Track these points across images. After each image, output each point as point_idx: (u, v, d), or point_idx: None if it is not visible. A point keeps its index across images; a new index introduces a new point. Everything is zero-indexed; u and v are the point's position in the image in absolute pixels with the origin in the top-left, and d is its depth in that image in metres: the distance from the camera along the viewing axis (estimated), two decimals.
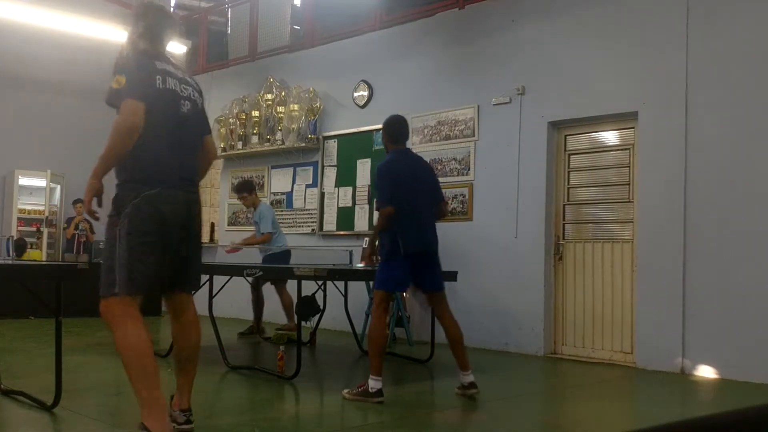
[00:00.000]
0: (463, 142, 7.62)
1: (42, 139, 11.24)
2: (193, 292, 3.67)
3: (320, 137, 9.09)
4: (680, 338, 5.95)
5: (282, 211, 9.56)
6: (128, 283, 3.12)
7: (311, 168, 9.24)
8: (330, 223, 8.94)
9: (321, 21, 9.57)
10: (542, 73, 7.04)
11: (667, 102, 6.20)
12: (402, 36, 8.41)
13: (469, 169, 7.56)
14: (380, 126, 8.33)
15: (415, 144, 7.77)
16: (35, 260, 9.13)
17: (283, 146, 9.32)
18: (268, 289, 7.92)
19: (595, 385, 5.69)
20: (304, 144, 9.11)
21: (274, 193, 9.71)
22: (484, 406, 4.60)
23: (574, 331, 6.79)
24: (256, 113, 9.70)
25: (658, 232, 6.18)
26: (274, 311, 8.30)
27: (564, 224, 6.98)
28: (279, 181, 9.66)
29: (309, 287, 5.82)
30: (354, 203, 8.69)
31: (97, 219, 3.29)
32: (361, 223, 8.56)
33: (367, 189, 8.55)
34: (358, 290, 7.48)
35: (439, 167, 7.61)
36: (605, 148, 6.82)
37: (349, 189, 8.75)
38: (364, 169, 8.61)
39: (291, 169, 9.49)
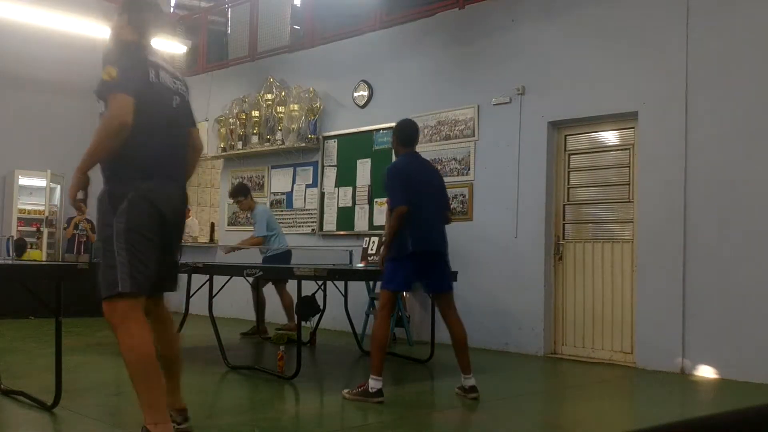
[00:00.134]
0: (463, 142, 7.62)
1: (42, 139, 11.24)
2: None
3: (320, 137, 9.09)
4: (680, 338, 5.95)
5: (282, 211, 9.56)
6: (130, 282, 3.04)
7: (311, 168, 9.24)
8: (330, 223, 8.94)
9: (321, 21, 9.57)
10: (542, 73, 7.04)
11: (667, 102, 6.20)
12: (402, 36, 8.41)
13: (469, 169, 7.56)
14: (380, 126, 8.46)
15: None
16: (35, 260, 9.13)
17: (283, 146, 9.32)
18: (268, 290, 7.92)
19: (595, 385, 5.69)
20: (304, 144, 9.11)
21: (274, 193, 9.71)
22: (484, 406, 4.60)
23: (574, 331, 6.79)
24: (256, 113, 9.70)
25: (658, 232, 6.18)
26: (274, 311, 8.30)
27: (564, 224, 6.98)
28: (279, 181, 9.66)
29: (309, 287, 5.82)
30: (354, 203, 8.69)
31: (83, 212, 3.22)
32: (361, 223, 8.56)
33: (367, 189, 8.55)
34: (358, 290, 7.48)
35: (439, 167, 7.59)
36: (605, 148, 6.82)
37: (349, 189, 8.75)
38: (364, 169, 8.61)
39: (291, 169, 9.49)
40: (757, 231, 5.66)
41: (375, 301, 7.48)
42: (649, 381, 5.72)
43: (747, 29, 5.84)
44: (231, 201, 8.19)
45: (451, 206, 7.33)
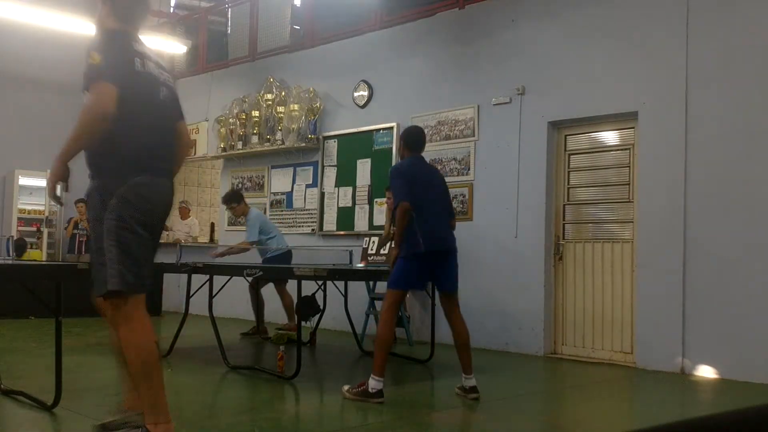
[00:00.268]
0: (463, 142, 7.62)
1: (42, 139, 11.21)
2: None
3: (320, 137, 9.09)
4: (680, 338, 5.95)
5: (282, 211, 9.56)
6: (120, 280, 2.94)
7: (311, 168, 9.24)
8: (330, 223, 8.94)
9: (321, 21, 9.57)
10: (542, 73, 7.04)
11: (667, 102, 6.20)
12: (402, 36, 8.41)
13: (469, 169, 7.56)
14: (380, 126, 8.46)
15: None
16: (35, 260, 9.12)
17: (283, 146, 9.32)
18: (268, 290, 7.92)
19: (595, 385, 5.69)
20: (304, 144, 9.11)
21: (274, 193, 9.72)
22: (484, 406, 4.60)
23: (574, 331, 6.79)
24: (256, 113, 9.70)
25: (658, 232, 6.18)
26: (275, 311, 8.30)
27: (564, 224, 6.98)
28: (279, 181, 9.66)
29: (309, 287, 5.82)
30: (354, 203, 8.69)
31: (61, 204, 3.11)
32: (361, 223, 8.56)
33: (367, 189, 8.55)
34: (358, 290, 7.48)
35: (439, 167, 7.59)
36: (605, 148, 6.82)
37: (349, 189, 8.75)
38: (364, 169, 8.61)
39: (291, 169, 9.49)
40: (757, 231, 5.66)
41: (375, 301, 7.48)
42: (649, 381, 5.72)
43: (747, 29, 5.84)
44: (224, 207, 8.18)
45: (452, 203, 7.37)
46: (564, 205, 6.99)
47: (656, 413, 4.58)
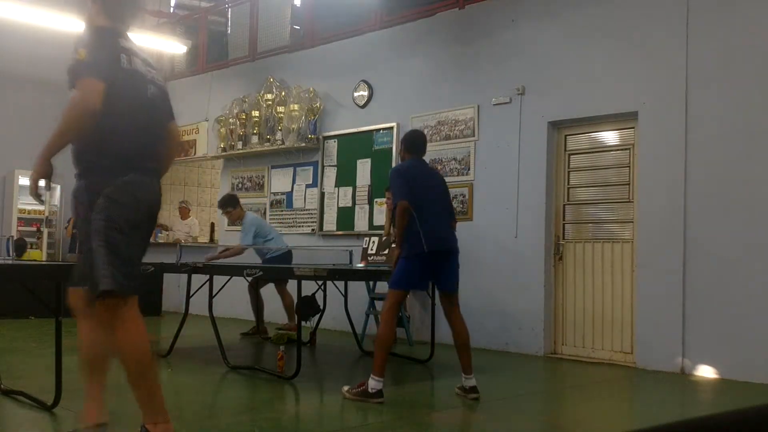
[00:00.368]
0: (463, 142, 7.62)
1: (42, 139, 11.17)
2: None
3: (320, 137, 9.09)
4: (680, 338, 5.95)
5: (282, 211, 9.56)
6: (112, 281, 2.88)
7: (311, 168, 9.24)
8: (330, 223, 8.94)
9: (321, 21, 9.56)
10: (542, 73, 7.04)
11: (667, 102, 6.20)
12: (402, 36, 8.41)
13: (469, 169, 7.56)
14: (380, 126, 8.47)
15: None
16: (35, 260, 9.12)
17: (283, 146, 9.32)
18: (268, 291, 7.93)
19: (595, 385, 5.69)
20: (304, 144, 9.11)
21: (274, 193, 9.71)
22: (484, 406, 4.60)
23: (574, 331, 6.79)
24: (256, 113, 9.70)
25: (658, 232, 6.18)
26: (275, 311, 8.31)
27: (564, 224, 6.98)
28: (279, 181, 9.66)
29: (309, 287, 5.82)
30: (354, 203, 8.69)
31: (42, 203, 3.12)
32: (361, 223, 8.56)
33: (367, 189, 8.55)
34: (358, 290, 7.48)
35: (439, 167, 7.61)
36: (605, 148, 6.82)
37: (349, 189, 8.75)
38: (364, 169, 8.61)
39: (291, 169, 9.49)
40: (757, 231, 5.66)
41: (375, 301, 7.48)
42: (649, 381, 5.72)
43: (747, 29, 5.84)
44: (220, 212, 8.17)
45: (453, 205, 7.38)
46: (564, 205, 6.99)
47: (656, 413, 4.58)
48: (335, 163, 8.95)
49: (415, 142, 4.99)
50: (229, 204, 7.91)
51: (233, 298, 7.54)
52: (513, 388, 5.44)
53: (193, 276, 6.20)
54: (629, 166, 6.56)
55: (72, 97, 2.88)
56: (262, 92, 9.54)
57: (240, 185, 10.17)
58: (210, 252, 8.96)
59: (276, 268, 6.44)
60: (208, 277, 6.03)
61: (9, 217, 11.37)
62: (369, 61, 8.65)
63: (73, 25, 9.33)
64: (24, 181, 11.41)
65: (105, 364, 3.26)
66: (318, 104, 9.04)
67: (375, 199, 8.45)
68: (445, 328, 4.97)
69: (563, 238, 6.96)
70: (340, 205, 8.84)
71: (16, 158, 11.13)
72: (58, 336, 3.94)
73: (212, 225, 11.96)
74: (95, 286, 2.92)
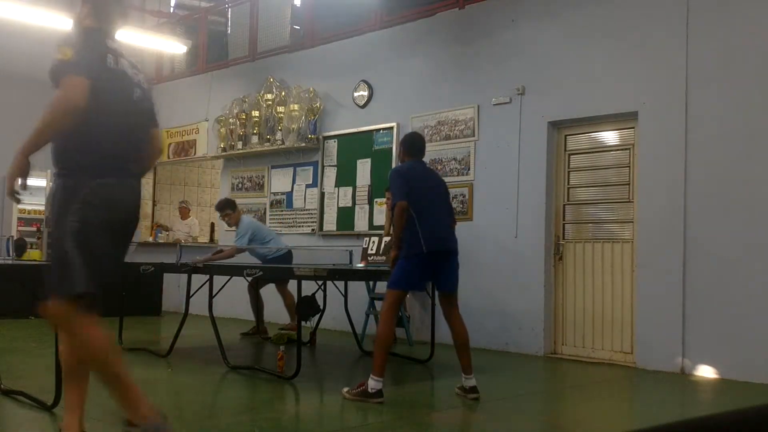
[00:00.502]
0: (463, 142, 7.62)
1: None
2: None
3: (320, 137, 9.09)
4: (680, 338, 5.95)
5: (282, 211, 9.56)
6: (78, 283, 2.82)
7: (311, 168, 9.24)
8: (330, 223, 8.94)
9: (321, 21, 9.56)
10: (542, 73, 7.04)
11: (667, 102, 6.20)
12: (402, 36, 8.41)
13: (469, 169, 7.56)
14: (380, 126, 8.47)
15: None
16: (35, 260, 9.13)
17: (283, 146, 9.32)
18: (268, 291, 7.92)
19: (595, 385, 5.69)
20: (304, 144, 9.11)
21: (274, 193, 9.71)
22: (484, 406, 4.60)
23: (574, 331, 6.79)
24: (256, 113, 9.70)
25: (658, 232, 6.18)
26: (275, 311, 8.31)
27: (564, 224, 6.98)
28: (279, 181, 9.66)
29: (309, 287, 5.82)
30: (354, 203, 8.69)
31: (18, 201, 2.96)
32: (361, 223, 8.56)
33: (367, 189, 8.55)
34: (358, 290, 7.48)
35: (439, 167, 7.61)
36: (605, 148, 6.82)
37: (349, 189, 8.75)
38: (364, 169, 8.61)
39: (291, 169, 9.49)
40: (757, 231, 5.66)
41: (375, 301, 7.48)
42: (649, 381, 5.72)
43: (747, 29, 5.85)
44: (218, 215, 8.15)
45: (452, 206, 7.38)
46: (564, 205, 6.99)
47: (656, 413, 4.58)
48: (335, 163, 8.95)
49: (414, 143, 5.01)
50: (228, 206, 7.88)
51: (233, 298, 7.54)
52: (513, 388, 5.44)
53: (193, 276, 6.20)
54: (629, 166, 6.56)
55: (56, 94, 2.83)
56: (262, 92, 9.54)
57: (240, 185, 10.17)
58: (213, 251, 8.93)
59: (276, 269, 6.44)
60: (208, 277, 6.03)
61: (9, 217, 11.37)
62: (369, 61, 8.65)
63: (70, 24, 9.33)
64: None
65: (86, 372, 3.19)
66: (318, 104, 9.04)
67: (375, 199, 8.45)
68: (445, 328, 4.97)
69: (563, 238, 6.96)
70: (340, 205, 8.84)
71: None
72: (57, 336, 3.94)
73: (212, 225, 11.96)
74: (59, 287, 2.84)
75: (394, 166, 7.76)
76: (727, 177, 5.85)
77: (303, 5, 10.01)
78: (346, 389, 4.60)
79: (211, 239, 11.49)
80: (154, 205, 12.30)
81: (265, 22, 10.16)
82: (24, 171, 2.83)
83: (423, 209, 4.66)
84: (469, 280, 6.89)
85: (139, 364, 6.00)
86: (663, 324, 6.05)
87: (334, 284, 6.82)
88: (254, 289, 7.88)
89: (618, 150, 6.70)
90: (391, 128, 8.30)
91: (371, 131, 8.54)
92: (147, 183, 11.90)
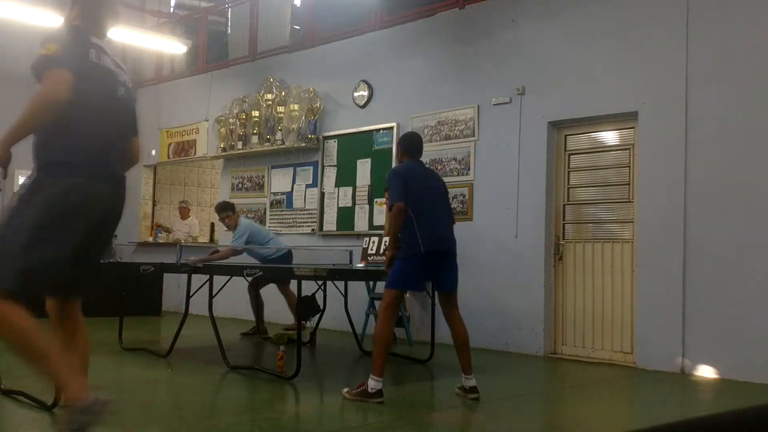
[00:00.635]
0: (463, 142, 7.62)
1: None
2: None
3: (320, 137, 9.09)
4: (680, 338, 5.95)
5: (282, 211, 9.56)
6: (21, 279, 2.75)
7: (311, 168, 9.24)
8: (330, 223, 8.94)
9: (321, 21, 9.56)
10: (542, 73, 7.04)
11: (667, 102, 6.20)
12: (402, 36, 8.41)
13: (469, 169, 7.56)
14: (380, 126, 8.47)
15: None
16: None
17: (283, 146, 9.32)
18: (268, 291, 7.92)
19: (595, 385, 5.69)
20: (304, 144, 9.11)
21: (274, 193, 9.72)
22: (484, 406, 4.60)
23: (574, 331, 6.79)
24: (256, 113, 9.70)
25: (658, 232, 6.18)
26: (275, 311, 8.31)
27: (564, 224, 6.98)
28: (279, 181, 9.66)
29: (309, 287, 5.82)
30: (354, 203, 8.69)
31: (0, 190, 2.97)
32: (361, 223, 8.57)
33: (367, 189, 8.55)
34: (358, 290, 7.48)
35: (439, 167, 7.62)
36: (605, 148, 6.82)
37: (349, 189, 8.75)
38: (364, 169, 8.61)
39: (291, 169, 9.49)
40: (757, 231, 5.66)
41: (375, 301, 7.48)
42: (649, 381, 5.72)
43: (747, 29, 5.85)
44: (218, 218, 8.14)
45: (451, 206, 7.38)
46: (564, 205, 6.99)
47: (656, 413, 4.58)
48: (335, 163, 8.95)
49: (412, 144, 5.00)
50: (228, 208, 7.87)
51: (233, 298, 7.54)
52: (513, 388, 5.44)
53: (193, 276, 6.20)
54: (629, 166, 6.56)
55: (39, 87, 2.84)
56: (262, 92, 9.54)
57: (240, 185, 10.17)
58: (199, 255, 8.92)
59: (276, 269, 6.44)
60: (208, 277, 6.03)
61: None
62: (369, 61, 8.65)
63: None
64: (24, 180, 11.42)
65: (44, 344, 2.94)
66: (318, 104, 9.05)
67: (375, 199, 8.45)
68: (445, 328, 4.97)
69: (563, 238, 6.96)
70: (340, 205, 8.84)
71: (16, 158, 11.07)
72: None
73: (212, 225, 11.95)
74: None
75: (393, 166, 7.76)
76: (727, 177, 5.85)
77: (303, 5, 10.01)
78: (346, 389, 4.60)
79: (211, 239, 11.49)
80: (154, 205, 12.30)
81: (265, 22, 10.16)
82: (5, 162, 2.89)
83: (422, 209, 4.66)
84: (469, 280, 6.89)
85: (139, 364, 6.00)
86: (663, 324, 6.05)
87: (334, 284, 6.83)
88: (254, 289, 7.88)
89: (618, 150, 6.70)
90: (391, 128, 8.30)
91: (371, 131, 8.54)
92: (147, 183, 11.90)
